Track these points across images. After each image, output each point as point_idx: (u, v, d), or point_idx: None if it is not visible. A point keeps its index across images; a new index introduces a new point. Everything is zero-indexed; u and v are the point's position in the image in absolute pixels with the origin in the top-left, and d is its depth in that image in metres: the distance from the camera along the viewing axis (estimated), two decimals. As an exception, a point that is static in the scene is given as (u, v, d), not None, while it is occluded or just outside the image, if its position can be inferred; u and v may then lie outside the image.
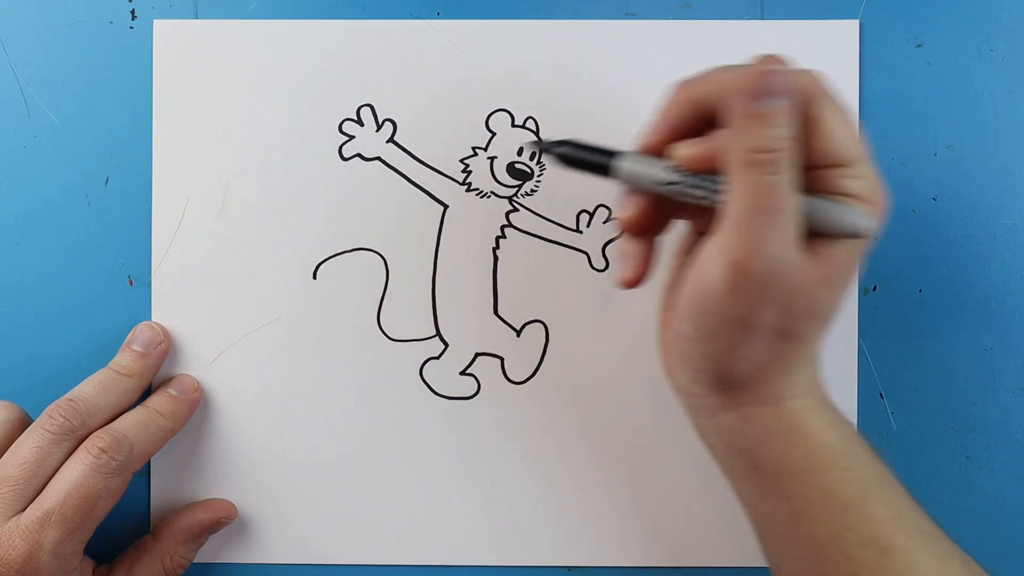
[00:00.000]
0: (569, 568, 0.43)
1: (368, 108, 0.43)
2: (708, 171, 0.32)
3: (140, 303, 0.42)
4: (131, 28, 0.43)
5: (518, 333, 0.43)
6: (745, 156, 0.30)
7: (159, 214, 0.42)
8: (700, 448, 0.43)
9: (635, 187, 0.34)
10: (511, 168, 0.43)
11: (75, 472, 0.36)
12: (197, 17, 0.43)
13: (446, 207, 0.43)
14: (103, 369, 0.40)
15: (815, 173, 0.32)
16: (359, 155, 0.43)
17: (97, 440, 0.37)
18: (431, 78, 0.42)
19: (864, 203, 0.32)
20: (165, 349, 0.42)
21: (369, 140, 0.43)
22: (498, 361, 0.43)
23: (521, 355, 0.43)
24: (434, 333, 0.43)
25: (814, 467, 0.33)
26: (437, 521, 0.43)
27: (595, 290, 0.43)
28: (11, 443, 0.38)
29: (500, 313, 0.43)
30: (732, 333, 0.32)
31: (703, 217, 0.35)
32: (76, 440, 0.38)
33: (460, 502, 0.43)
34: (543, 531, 0.43)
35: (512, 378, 0.43)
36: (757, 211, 0.30)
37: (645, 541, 0.43)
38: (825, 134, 0.31)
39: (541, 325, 0.43)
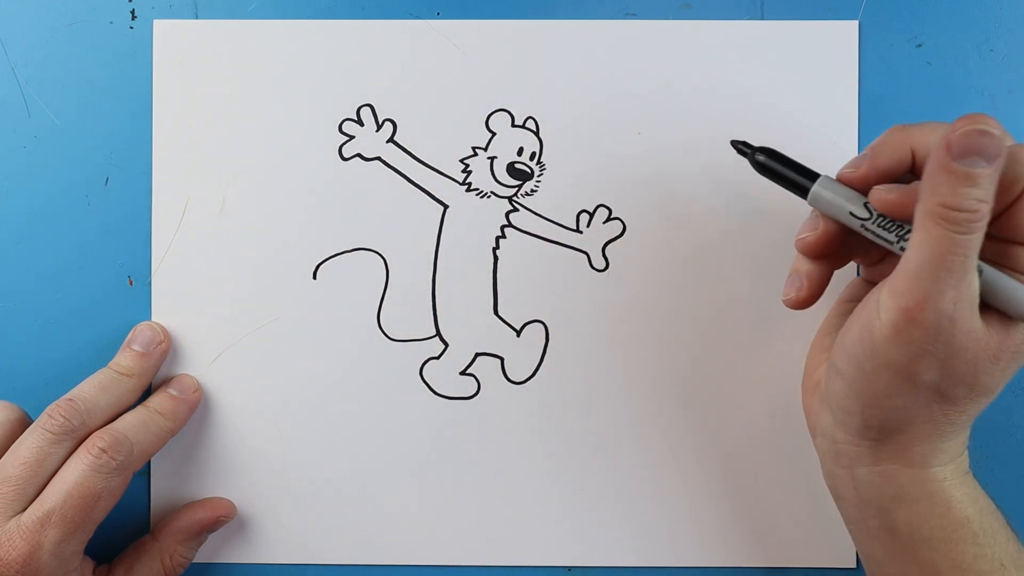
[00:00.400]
0: (569, 568, 0.43)
1: (368, 108, 0.43)
2: (901, 217, 0.33)
3: (140, 303, 0.43)
4: (131, 28, 0.43)
5: (518, 333, 0.43)
6: (936, 209, 0.30)
7: (159, 214, 0.42)
8: (700, 448, 0.43)
9: (826, 212, 0.35)
10: (511, 168, 0.43)
11: (75, 472, 0.37)
12: (197, 17, 0.43)
13: (446, 207, 0.43)
14: (103, 369, 0.40)
15: (1015, 249, 0.32)
16: (359, 155, 0.43)
17: (97, 440, 0.37)
18: (431, 78, 0.42)
19: None
20: (165, 349, 0.42)
21: (369, 140, 0.43)
22: (498, 361, 0.43)
23: (521, 355, 0.43)
24: (434, 333, 0.43)
25: (951, 538, 0.33)
26: (437, 521, 0.43)
27: (595, 290, 0.43)
28: (11, 443, 0.38)
29: (500, 313, 0.43)
30: (889, 380, 0.32)
31: (878, 266, 0.36)
32: (76, 440, 0.38)
33: (460, 502, 0.43)
34: (543, 531, 0.43)
35: (512, 378, 0.43)
36: (937, 265, 0.30)
37: (645, 541, 0.43)
38: None
39: (541, 325, 0.43)
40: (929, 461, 0.33)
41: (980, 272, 0.31)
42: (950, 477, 0.34)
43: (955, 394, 0.32)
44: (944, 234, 0.30)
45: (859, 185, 0.34)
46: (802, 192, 0.36)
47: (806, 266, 0.36)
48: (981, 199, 0.30)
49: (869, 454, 0.34)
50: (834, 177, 0.35)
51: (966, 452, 0.35)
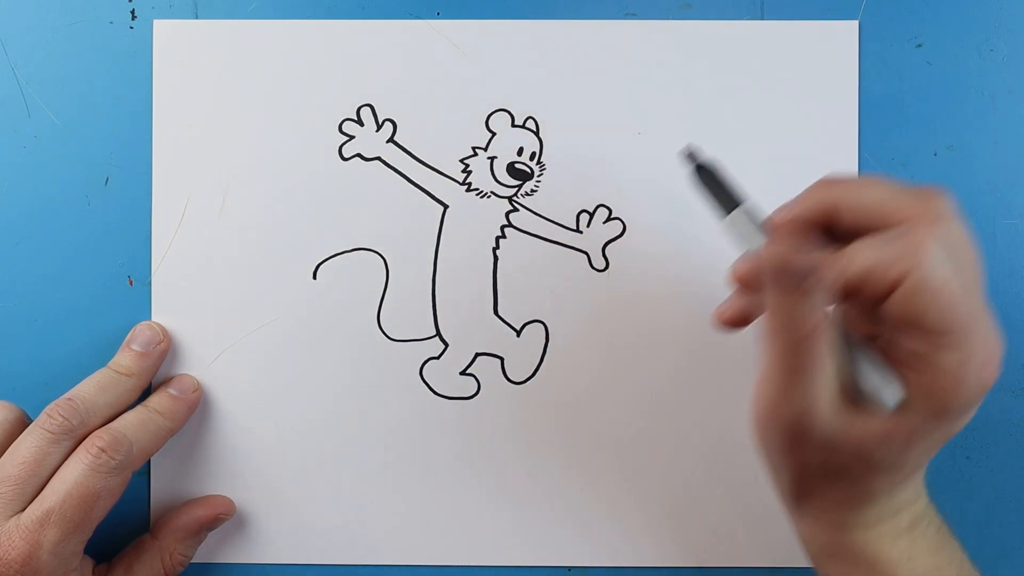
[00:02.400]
0: (569, 568, 0.43)
1: (368, 108, 0.43)
2: (752, 291, 0.32)
3: (140, 303, 0.42)
4: (131, 28, 0.43)
5: (518, 333, 0.43)
6: (771, 320, 0.30)
7: (159, 214, 0.42)
8: (699, 448, 0.43)
9: (736, 242, 0.34)
10: (511, 168, 0.43)
11: (75, 472, 0.36)
12: (197, 17, 0.43)
13: (446, 207, 0.43)
14: (103, 369, 0.40)
15: (896, 335, 0.30)
16: (359, 155, 0.43)
17: (96, 440, 0.37)
18: (431, 78, 0.42)
19: (947, 378, 0.29)
20: (165, 349, 0.42)
21: (369, 140, 0.43)
22: (498, 361, 0.43)
23: (521, 355, 0.43)
24: (434, 333, 0.43)
25: None
26: (437, 521, 0.43)
27: (595, 290, 0.43)
28: (11, 443, 0.38)
29: (500, 313, 0.43)
30: (780, 463, 0.32)
31: None
32: (75, 440, 0.38)
33: (460, 502, 0.43)
34: (543, 531, 0.43)
35: (512, 378, 0.43)
36: (780, 371, 0.30)
37: (645, 541, 0.43)
38: (916, 295, 0.29)
39: (541, 325, 0.43)
40: (848, 524, 0.32)
41: (856, 354, 0.30)
42: (877, 539, 0.32)
43: (854, 475, 0.31)
44: (783, 343, 0.30)
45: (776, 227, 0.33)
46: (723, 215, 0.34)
47: (738, 295, 0.35)
48: (810, 311, 0.29)
49: (795, 508, 0.34)
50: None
51: (915, 508, 0.33)
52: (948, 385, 0.29)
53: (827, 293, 0.29)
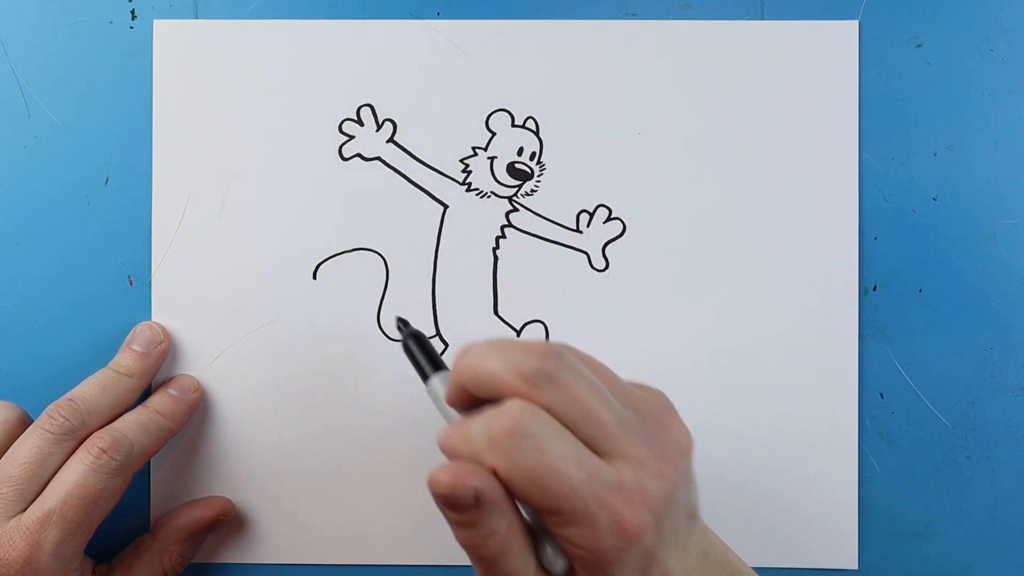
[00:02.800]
0: (569, 568, 0.43)
1: (368, 108, 0.43)
2: None
3: (140, 303, 0.42)
4: (131, 28, 0.43)
5: (518, 333, 0.43)
6: (472, 550, 0.30)
7: (159, 214, 0.42)
8: (699, 448, 0.43)
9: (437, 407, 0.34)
10: (511, 168, 0.43)
11: (75, 472, 0.37)
12: (197, 17, 0.43)
13: (446, 207, 0.43)
14: (103, 369, 0.40)
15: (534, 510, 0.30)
16: (359, 155, 0.43)
17: (97, 440, 0.37)
18: (431, 78, 0.42)
19: (583, 550, 0.29)
20: (165, 349, 0.42)
21: (369, 140, 0.43)
22: (498, 361, 0.43)
23: (521, 355, 0.43)
24: (434, 333, 0.43)
25: None
26: (437, 521, 0.42)
27: (595, 290, 0.43)
28: (11, 443, 0.38)
29: (500, 313, 0.43)
30: None
31: None
32: (76, 440, 0.38)
33: (460, 502, 0.43)
34: (543, 531, 0.43)
35: (512, 378, 0.43)
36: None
37: (645, 541, 0.42)
38: (511, 484, 0.29)
39: (541, 325, 0.43)
40: None
41: (537, 531, 0.31)
42: None
43: None
44: (474, 560, 0.31)
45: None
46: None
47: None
48: (486, 535, 0.30)
49: None
50: None
51: None
52: (587, 556, 0.29)
53: (500, 511, 0.29)
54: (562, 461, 0.28)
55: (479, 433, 0.29)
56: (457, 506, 0.29)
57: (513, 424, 0.28)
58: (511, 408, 0.29)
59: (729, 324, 0.42)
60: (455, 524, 0.30)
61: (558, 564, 0.30)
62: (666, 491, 0.30)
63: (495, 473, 0.29)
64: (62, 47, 0.43)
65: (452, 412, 0.32)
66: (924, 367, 0.43)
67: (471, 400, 0.31)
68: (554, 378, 0.29)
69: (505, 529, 0.30)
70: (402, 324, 0.36)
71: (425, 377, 0.34)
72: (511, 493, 0.29)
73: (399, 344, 0.43)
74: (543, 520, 0.30)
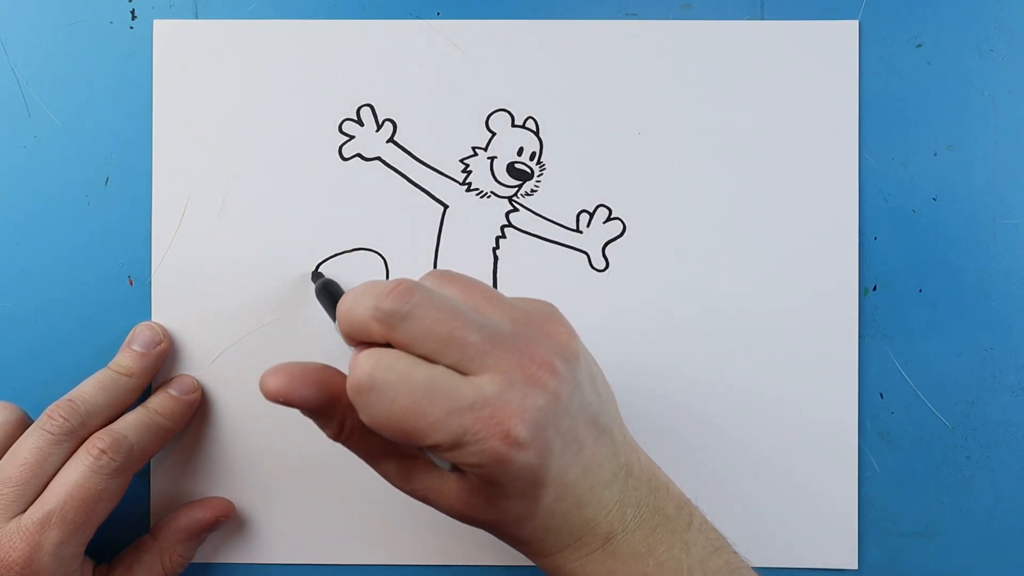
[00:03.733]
0: (569, 568, 0.43)
1: (368, 108, 0.43)
2: None
3: (140, 303, 0.42)
4: (131, 28, 0.43)
5: (518, 333, 0.43)
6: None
7: (159, 214, 0.42)
8: (698, 448, 0.43)
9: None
10: (511, 168, 0.43)
11: (75, 473, 0.36)
12: (197, 17, 0.43)
13: (446, 207, 0.43)
14: (103, 369, 0.40)
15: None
16: (359, 155, 0.43)
17: (97, 441, 0.37)
18: (431, 78, 0.42)
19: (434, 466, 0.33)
20: (165, 349, 0.42)
21: (369, 140, 0.43)
22: (498, 361, 0.43)
23: (521, 355, 0.43)
24: (434, 333, 0.43)
25: None
26: (437, 521, 0.43)
27: (595, 290, 0.43)
28: (11, 444, 0.38)
29: (500, 313, 0.43)
30: None
31: None
32: (76, 441, 0.38)
33: (460, 502, 0.43)
34: (543, 531, 0.42)
35: (512, 378, 0.43)
36: None
37: (645, 541, 0.42)
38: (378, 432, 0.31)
39: (541, 325, 0.43)
40: (538, 557, 0.34)
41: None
42: (566, 563, 0.33)
43: (485, 526, 0.34)
44: None
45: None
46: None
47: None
48: (319, 426, 0.34)
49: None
50: None
51: (600, 528, 0.33)
52: (476, 472, 0.31)
53: (323, 418, 0.33)
54: (412, 401, 0.29)
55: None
56: (285, 405, 0.32)
57: (358, 380, 0.30)
58: (357, 362, 0.30)
59: (729, 324, 0.42)
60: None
61: (445, 463, 0.32)
62: (542, 400, 0.30)
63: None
64: (62, 47, 0.43)
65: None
66: (924, 367, 0.43)
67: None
68: (408, 315, 0.30)
69: (336, 429, 0.33)
70: (315, 275, 0.41)
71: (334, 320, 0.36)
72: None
73: (399, 344, 0.43)
74: (427, 452, 0.31)
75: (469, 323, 0.30)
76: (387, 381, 0.30)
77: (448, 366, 0.30)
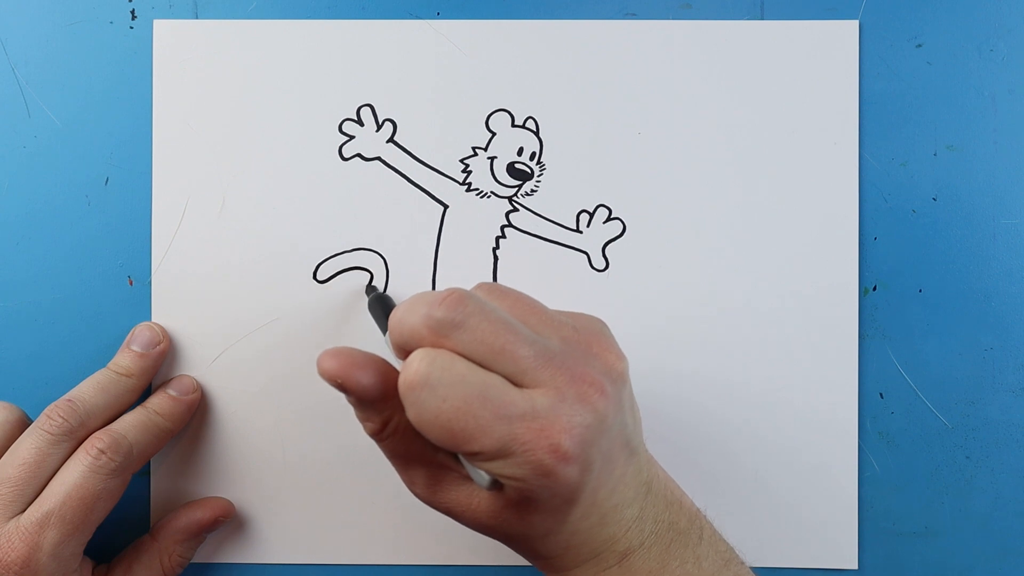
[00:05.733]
0: (569, 568, 0.43)
1: (368, 108, 0.43)
2: None
3: (140, 303, 0.42)
4: (131, 28, 0.43)
5: (518, 333, 0.43)
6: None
7: (159, 214, 0.42)
8: (699, 448, 0.43)
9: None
10: (511, 168, 0.43)
11: (74, 473, 0.36)
12: (197, 17, 0.43)
13: (446, 207, 0.43)
14: (102, 370, 0.40)
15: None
16: (359, 155, 0.43)
17: (96, 441, 0.37)
18: (431, 78, 0.42)
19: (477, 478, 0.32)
20: (164, 349, 0.41)
21: (369, 140, 0.43)
22: (498, 361, 0.43)
23: (521, 355, 0.43)
24: (434, 333, 0.43)
25: None
26: (437, 521, 0.43)
27: (595, 290, 0.43)
28: (10, 444, 0.38)
29: (500, 313, 0.43)
30: None
31: None
32: (75, 441, 0.38)
33: (460, 502, 0.43)
34: (543, 531, 0.42)
35: (512, 378, 0.43)
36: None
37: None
38: (423, 434, 0.31)
39: (541, 325, 0.43)
40: (559, 572, 0.34)
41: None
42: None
43: (512, 541, 0.34)
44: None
45: None
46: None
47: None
48: (362, 419, 0.33)
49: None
50: None
51: (620, 544, 0.33)
52: (515, 484, 0.30)
53: (372, 410, 0.32)
54: (464, 402, 0.29)
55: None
56: (339, 389, 0.32)
57: (411, 376, 0.30)
58: (411, 360, 0.30)
59: (729, 323, 0.42)
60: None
61: (483, 478, 0.31)
62: (590, 418, 0.30)
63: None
64: (62, 47, 0.43)
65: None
66: (924, 367, 0.43)
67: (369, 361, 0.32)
68: (460, 324, 0.30)
69: (380, 425, 0.32)
70: (369, 288, 0.41)
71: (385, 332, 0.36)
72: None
73: (399, 344, 0.43)
74: (468, 460, 0.31)
75: (521, 337, 0.30)
76: (441, 379, 0.29)
77: (501, 375, 0.30)
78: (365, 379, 0.31)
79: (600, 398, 0.30)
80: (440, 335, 0.30)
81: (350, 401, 0.33)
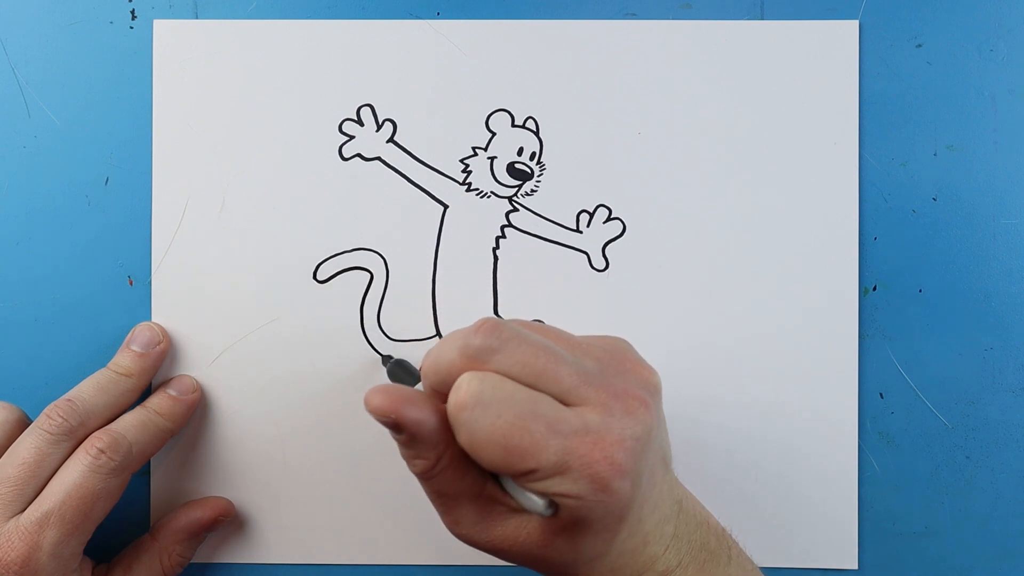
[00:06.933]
0: (569, 568, 0.43)
1: (368, 108, 0.43)
2: None
3: (140, 303, 0.42)
4: (131, 28, 0.43)
5: (518, 333, 0.43)
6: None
7: (159, 214, 0.42)
8: (699, 448, 0.43)
9: None
10: (511, 168, 0.43)
11: (74, 473, 0.36)
12: (197, 17, 0.43)
13: (446, 207, 0.43)
14: (102, 369, 0.40)
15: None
16: (359, 155, 0.43)
17: (96, 441, 0.37)
18: (431, 78, 0.42)
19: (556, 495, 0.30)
20: (164, 349, 0.41)
21: (369, 140, 0.43)
22: (498, 361, 0.43)
23: (521, 355, 0.43)
24: (434, 333, 0.43)
25: None
26: (437, 521, 0.43)
27: (595, 290, 0.43)
28: (10, 444, 0.38)
29: (500, 313, 0.43)
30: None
31: None
32: (75, 441, 0.38)
33: (460, 502, 0.43)
34: (543, 531, 0.42)
35: (512, 378, 0.43)
36: (433, 501, 0.33)
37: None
38: (476, 459, 0.30)
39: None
40: None
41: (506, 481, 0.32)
42: None
43: (553, 569, 0.33)
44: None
45: None
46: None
47: None
48: (412, 457, 0.32)
49: None
50: None
51: (657, 567, 0.33)
52: (571, 503, 0.30)
53: (426, 444, 0.31)
54: (518, 418, 0.29)
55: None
56: (387, 427, 0.31)
57: (463, 397, 0.29)
58: (460, 383, 0.30)
59: (729, 324, 0.42)
60: (392, 437, 0.32)
61: (540, 505, 0.30)
62: (639, 430, 0.30)
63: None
64: (62, 47, 0.43)
65: None
66: (924, 367, 0.43)
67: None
68: (499, 349, 0.30)
69: (433, 460, 0.31)
70: (385, 359, 0.42)
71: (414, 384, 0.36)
72: (465, 451, 0.30)
73: (399, 344, 0.43)
74: (520, 483, 0.30)
75: (560, 358, 0.30)
76: (494, 396, 0.29)
77: None
78: (416, 413, 0.30)
79: (645, 411, 0.31)
80: (480, 361, 0.30)
81: (398, 439, 0.32)
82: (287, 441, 0.43)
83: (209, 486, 0.43)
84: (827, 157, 0.42)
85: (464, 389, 0.29)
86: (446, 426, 0.31)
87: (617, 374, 0.31)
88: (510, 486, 0.32)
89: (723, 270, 0.42)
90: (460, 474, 0.32)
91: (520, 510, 0.32)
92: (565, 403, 0.30)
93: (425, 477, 0.32)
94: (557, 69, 0.42)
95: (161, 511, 0.42)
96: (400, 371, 0.40)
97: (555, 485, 0.29)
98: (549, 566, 0.33)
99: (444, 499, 0.33)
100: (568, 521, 0.31)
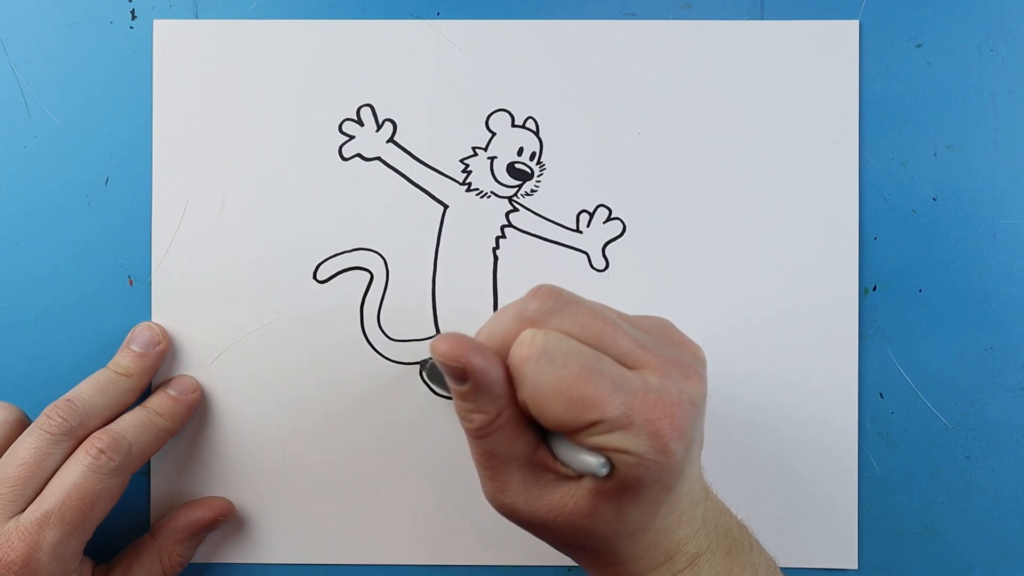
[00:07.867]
0: (569, 568, 0.43)
1: (368, 108, 0.43)
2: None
3: (140, 303, 0.42)
4: (131, 28, 0.43)
5: (518, 333, 0.43)
6: (460, 419, 0.32)
7: (159, 214, 0.42)
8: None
9: None
10: (511, 168, 0.43)
11: (74, 473, 0.36)
12: (197, 17, 0.43)
13: (446, 207, 0.43)
14: (102, 369, 0.40)
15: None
16: (359, 155, 0.43)
17: (96, 441, 0.37)
18: (431, 78, 0.42)
19: (614, 453, 0.30)
20: (164, 349, 0.41)
21: (369, 140, 0.43)
22: (498, 361, 0.43)
23: (521, 355, 0.43)
24: (434, 333, 0.43)
25: None
26: (437, 521, 0.43)
27: (595, 290, 0.43)
28: (10, 444, 0.38)
29: (500, 313, 0.43)
30: (539, 537, 0.34)
31: None
32: (75, 441, 0.38)
33: (460, 502, 0.43)
34: (543, 531, 0.42)
35: (512, 378, 0.43)
36: (478, 465, 0.32)
37: (645, 541, 0.42)
38: (537, 413, 0.30)
39: (541, 325, 0.43)
40: (620, 574, 0.33)
41: (557, 441, 0.31)
42: None
43: (581, 545, 0.33)
44: (468, 437, 0.32)
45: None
46: None
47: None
48: (471, 411, 0.31)
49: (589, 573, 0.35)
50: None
51: (690, 546, 0.33)
52: (630, 460, 0.29)
53: (491, 396, 0.30)
54: (583, 369, 0.29)
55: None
56: (451, 375, 0.30)
57: (527, 350, 0.29)
58: (524, 336, 0.30)
59: (729, 324, 0.42)
60: (452, 390, 0.31)
61: (596, 464, 0.30)
62: (696, 395, 0.31)
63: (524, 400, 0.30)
64: (62, 47, 0.43)
65: None
66: (924, 367, 0.43)
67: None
68: (558, 311, 0.30)
69: (493, 415, 0.30)
70: (422, 363, 0.42)
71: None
72: (527, 409, 0.30)
73: (399, 344, 0.43)
74: (579, 441, 0.30)
75: (617, 324, 0.31)
76: (559, 348, 0.29)
77: None
78: (483, 361, 0.30)
79: (698, 381, 0.31)
80: (539, 323, 0.30)
81: (459, 391, 0.31)
82: (287, 441, 0.43)
83: (209, 486, 0.43)
84: (827, 157, 0.42)
85: (528, 342, 0.29)
86: (509, 382, 0.30)
87: (669, 345, 0.32)
88: (563, 449, 0.31)
89: (723, 270, 0.42)
90: (515, 435, 0.31)
91: (570, 477, 0.31)
92: (624, 365, 0.30)
93: (480, 434, 0.31)
94: (557, 69, 0.42)
95: (161, 511, 0.42)
96: (435, 371, 0.40)
97: (616, 440, 0.29)
98: (590, 539, 0.32)
99: (494, 461, 0.32)
100: (620, 484, 0.30)
